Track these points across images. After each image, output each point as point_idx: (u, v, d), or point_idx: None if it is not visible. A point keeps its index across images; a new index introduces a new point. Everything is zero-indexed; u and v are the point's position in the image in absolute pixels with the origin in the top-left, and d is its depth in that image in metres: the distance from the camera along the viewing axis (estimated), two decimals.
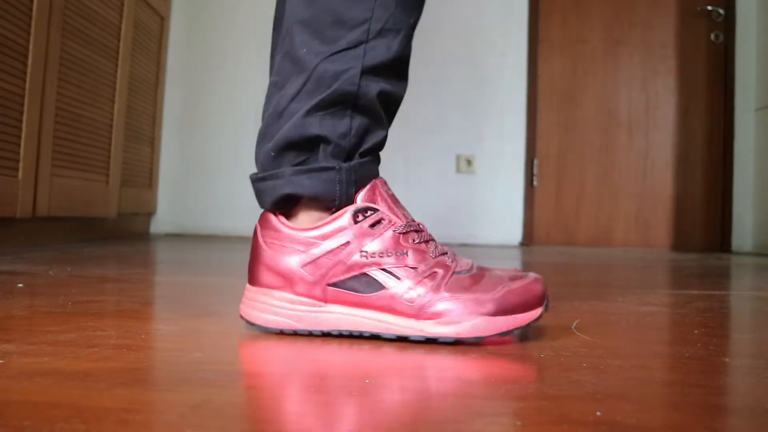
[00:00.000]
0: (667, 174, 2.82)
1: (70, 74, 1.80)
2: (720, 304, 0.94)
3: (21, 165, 1.56)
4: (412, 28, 0.63)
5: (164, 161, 2.73)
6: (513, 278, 0.60)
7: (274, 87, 0.63)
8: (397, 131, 2.75)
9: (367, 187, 0.61)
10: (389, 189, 0.63)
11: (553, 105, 2.85)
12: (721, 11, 2.78)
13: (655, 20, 2.83)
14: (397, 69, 0.62)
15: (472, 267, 0.61)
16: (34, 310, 0.70)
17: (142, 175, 2.49)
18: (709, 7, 2.79)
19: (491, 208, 2.77)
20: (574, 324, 0.71)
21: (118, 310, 0.74)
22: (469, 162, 2.78)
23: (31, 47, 1.57)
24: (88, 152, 1.95)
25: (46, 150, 1.67)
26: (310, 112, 0.59)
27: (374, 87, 0.60)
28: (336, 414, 0.38)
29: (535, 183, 2.83)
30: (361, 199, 0.60)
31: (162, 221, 2.74)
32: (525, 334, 0.63)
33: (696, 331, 0.69)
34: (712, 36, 2.80)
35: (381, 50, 0.60)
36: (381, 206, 0.60)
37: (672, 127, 2.82)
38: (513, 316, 0.57)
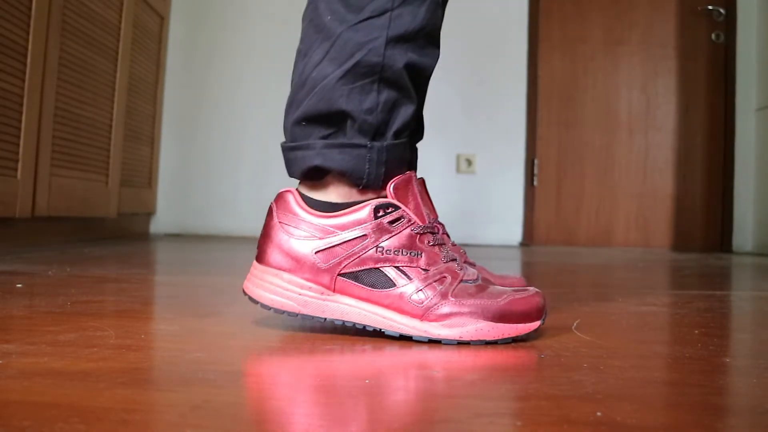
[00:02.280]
0: (667, 174, 2.82)
1: (70, 74, 1.79)
2: (720, 304, 0.94)
3: (20, 165, 1.56)
4: None
5: (164, 161, 2.73)
6: (515, 290, 0.60)
7: (299, 54, 0.63)
8: None
9: (401, 178, 0.60)
10: (418, 182, 0.62)
11: (553, 105, 2.85)
12: (722, 11, 2.78)
13: (655, 20, 2.83)
14: (425, 38, 0.61)
15: (477, 278, 0.62)
16: (33, 310, 0.70)
17: (142, 175, 2.49)
18: (710, 7, 2.79)
19: (491, 208, 2.77)
20: (574, 324, 0.70)
21: (118, 310, 0.74)
22: (469, 162, 2.78)
23: (30, 47, 1.57)
24: (88, 152, 1.95)
25: (46, 150, 1.67)
26: (337, 85, 0.58)
27: (400, 58, 0.59)
28: (336, 414, 0.38)
29: (535, 183, 2.83)
30: (393, 189, 0.59)
31: (162, 221, 2.74)
32: (525, 336, 0.63)
33: (696, 331, 0.69)
34: (713, 36, 2.80)
35: (407, 18, 0.58)
36: (409, 203, 0.59)
37: (672, 127, 2.82)
38: (515, 324, 0.58)
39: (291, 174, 0.63)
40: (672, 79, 2.82)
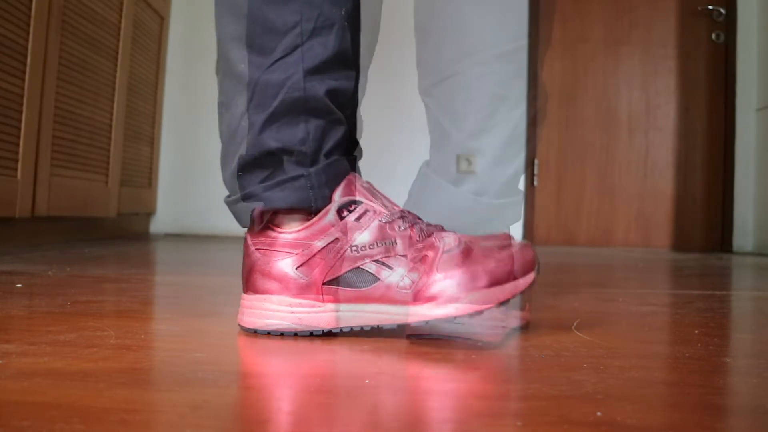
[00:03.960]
0: (668, 174, 2.81)
1: (70, 74, 1.79)
2: (720, 304, 0.94)
3: (20, 165, 1.55)
4: (346, 18, 0.62)
5: (164, 161, 2.73)
6: (502, 247, 0.58)
7: (222, 107, 0.63)
8: (397, 131, 2.77)
9: (342, 184, 0.60)
10: (364, 182, 0.62)
11: (553, 105, 2.84)
12: (722, 11, 2.78)
13: (656, 20, 2.83)
14: (339, 63, 0.61)
15: (460, 242, 0.60)
16: (33, 311, 0.70)
17: (142, 175, 2.49)
18: (710, 7, 2.79)
19: None
20: (574, 324, 0.70)
21: (118, 310, 0.74)
22: (469, 162, 2.78)
23: (30, 47, 1.56)
24: (88, 152, 1.95)
25: (45, 150, 1.67)
26: (264, 127, 0.59)
27: (320, 87, 0.59)
28: (335, 414, 0.38)
29: (535, 183, 2.83)
30: (339, 197, 0.59)
31: (162, 221, 2.74)
32: (525, 332, 0.63)
33: (696, 331, 0.68)
34: (713, 36, 2.80)
35: (318, 50, 0.59)
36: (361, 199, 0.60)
37: (672, 127, 2.82)
38: (509, 284, 0.56)
39: (242, 225, 0.63)
40: (672, 79, 2.82)
